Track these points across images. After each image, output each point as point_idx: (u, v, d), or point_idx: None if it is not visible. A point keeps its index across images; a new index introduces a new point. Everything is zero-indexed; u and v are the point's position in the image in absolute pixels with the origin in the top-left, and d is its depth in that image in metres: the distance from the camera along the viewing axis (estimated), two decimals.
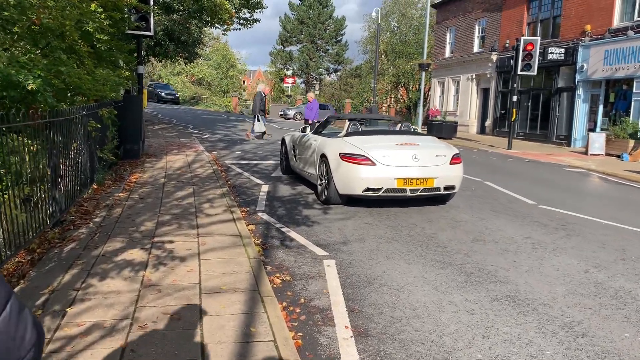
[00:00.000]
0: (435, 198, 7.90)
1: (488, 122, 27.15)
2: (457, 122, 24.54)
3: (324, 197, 7.81)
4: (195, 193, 7.81)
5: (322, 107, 40.57)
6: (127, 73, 10.44)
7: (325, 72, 57.37)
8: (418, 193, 7.32)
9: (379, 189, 7.17)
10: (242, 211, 7.10)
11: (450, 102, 30.86)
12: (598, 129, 19.72)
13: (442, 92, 31.82)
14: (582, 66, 20.23)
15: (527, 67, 17.97)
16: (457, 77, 29.82)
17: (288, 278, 4.67)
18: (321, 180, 7.94)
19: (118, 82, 9.75)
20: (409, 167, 7.21)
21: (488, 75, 26.87)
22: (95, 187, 7.85)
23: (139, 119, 11.35)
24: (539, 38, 18.49)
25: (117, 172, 9.44)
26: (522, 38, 18.17)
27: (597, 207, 8.64)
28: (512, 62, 24.60)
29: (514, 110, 19.00)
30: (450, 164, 7.51)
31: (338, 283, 4.59)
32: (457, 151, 7.76)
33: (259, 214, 7.12)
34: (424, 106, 30.14)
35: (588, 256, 5.68)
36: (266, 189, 8.92)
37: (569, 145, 21.11)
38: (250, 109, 17.95)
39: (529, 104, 23.89)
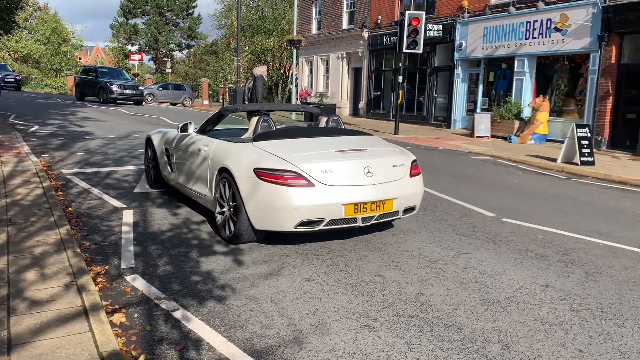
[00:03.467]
0: None
1: (362, 104, 25.79)
2: (335, 105, 22.75)
3: (228, 234, 5.13)
4: (10, 245, 4.63)
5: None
6: None
7: (177, 48, 52.44)
8: (372, 222, 4.99)
9: (319, 222, 4.70)
10: (98, 275, 4.17)
11: (320, 83, 29.04)
12: (478, 110, 19.15)
13: (311, 72, 29.88)
14: (461, 44, 19.45)
15: (413, 44, 16.47)
16: (327, 55, 28.01)
17: None
18: (222, 206, 5.24)
19: None
20: (361, 187, 4.82)
21: (360, 54, 25.41)
22: None
23: None
24: (423, 12, 17.12)
25: None
26: (407, 12, 16.63)
27: (563, 216, 7.10)
28: (385, 39, 23.45)
29: (401, 92, 17.57)
30: (411, 176, 5.29)
31: None
32: (414, 157, 5.53)
33: (128, 279, 4.24)
34: (290, 87, 27.99)
35: None
36: (131, 219, 5.94)
37: (448, 127, 20.40)
38: (247, 98, 14.33)
39: (405, 84, 22.84)
